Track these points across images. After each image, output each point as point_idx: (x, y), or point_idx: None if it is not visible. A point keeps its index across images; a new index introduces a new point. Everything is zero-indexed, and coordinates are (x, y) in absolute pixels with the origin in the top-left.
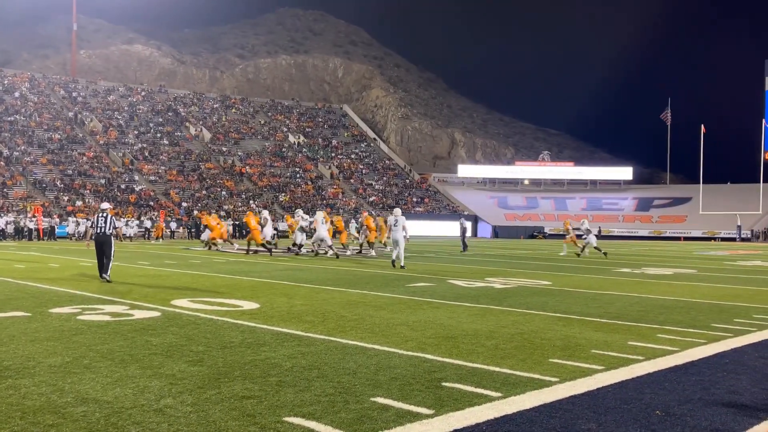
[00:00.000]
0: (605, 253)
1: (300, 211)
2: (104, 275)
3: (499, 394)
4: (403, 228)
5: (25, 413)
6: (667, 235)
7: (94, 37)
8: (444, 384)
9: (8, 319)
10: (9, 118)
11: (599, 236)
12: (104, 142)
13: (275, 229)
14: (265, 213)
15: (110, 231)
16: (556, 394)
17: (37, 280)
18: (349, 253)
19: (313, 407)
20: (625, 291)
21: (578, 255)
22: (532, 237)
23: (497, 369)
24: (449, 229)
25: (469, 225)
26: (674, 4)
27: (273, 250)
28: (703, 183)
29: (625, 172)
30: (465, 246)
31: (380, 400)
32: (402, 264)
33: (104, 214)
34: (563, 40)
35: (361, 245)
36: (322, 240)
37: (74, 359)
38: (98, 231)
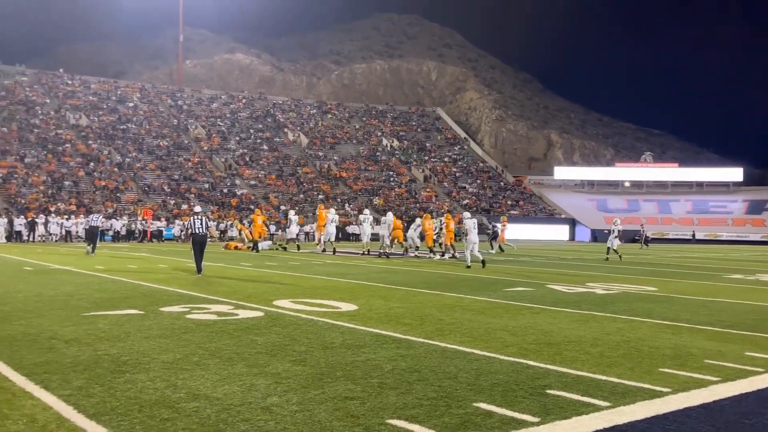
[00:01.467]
0: (620, 256)
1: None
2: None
3: (607, 404)
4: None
5: (143, 407)
6: None
7: (199, 48)
8: (548, 391)
9: (124, 317)
10: (122, 127)
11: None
12: (208, 148)
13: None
14: (291, 213)
15: (206, 231)
16: (669, 405)
17: (148, 280)
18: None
19: (415, 410)
20: (738, 298)
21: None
22: (634, 241)
23: (604, 377)
24: (546, 232)
25: (499, 226)
26: None
27: (293, 250)
28: None
29: (735, 174)
30: (498, 248)
31: (483, 405)
32: (468, 264)
33: (200, 217)
34: (665, 36)
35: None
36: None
37: (185, 356)
38: (196, 231)
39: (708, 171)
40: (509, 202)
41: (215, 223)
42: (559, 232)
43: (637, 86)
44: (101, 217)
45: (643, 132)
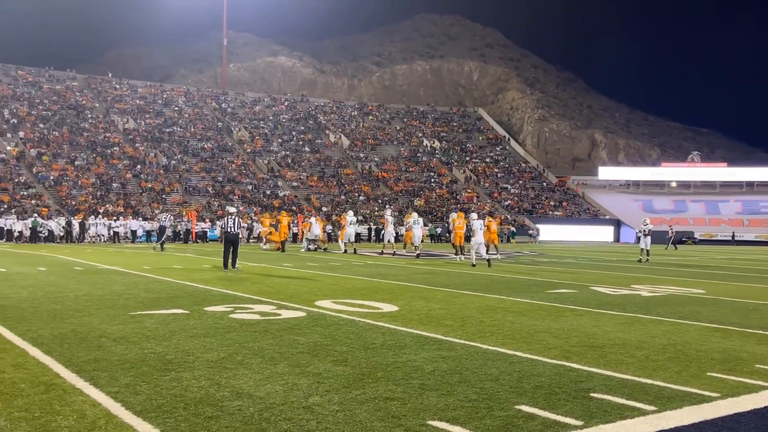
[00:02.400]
0: (647, 260)
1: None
2: (233, 267)
3: (653, 408)
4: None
5: (188, 404)
6: None
7: (242, 51)
8: (592, 394)
9: (170, 316)
10: (168, 129)
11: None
12: (251, 150)
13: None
14: (312, 219)
15: (238, 230)
16: (718, 411)
17: (193, 280)
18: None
19: (456, 412)
20: None
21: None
22: (681, 242)
23: (649, 381)
24: (589, 234)
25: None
26: None
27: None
28: None
29: None
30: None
31: (525, 408)
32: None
33: (233, 217)
34: (713, 32)
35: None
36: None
37: (228, 355)
38: (228, 230)
39: (758, 171)
40: (552, 203)
41: (248, 224)
42: (603, 234)
43: (684, 85)
44: (170, 216)
45: (691, 131)
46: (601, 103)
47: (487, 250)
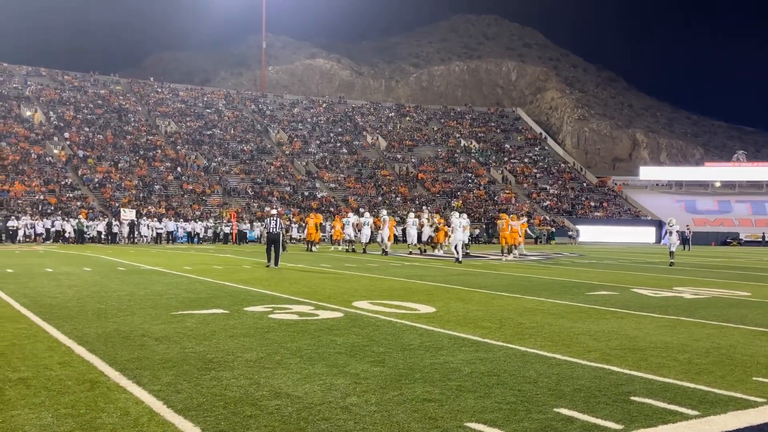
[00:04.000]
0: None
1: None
2: (273, 264)
3: (696, 413)
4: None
5: (227, 403)
6: None
7: (281, 54)
8: (633, 398)
9: (210, 316)
10: (208, 132)
11: (724, 242)
12: (289, 152)
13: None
14: (353, 218)
15: (278, 230)
16: (764, 416)
17: (232, 280)
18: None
19: (494, 414)
20: None
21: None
22: (725, 244)
23: (692, 385)
24: (631, 235)
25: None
26: None
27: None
28: None
29: None
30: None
31: (564, 411)
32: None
33: (274, 218)
34: (759, 26)
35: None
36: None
37: (267, 355)
38: (269, 230)
39: None
40: (592, 204)
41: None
42: (644, 235)
43: (729, 82)
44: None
45: (735, 130)
46: (642, 102)
47: (509, 251)
